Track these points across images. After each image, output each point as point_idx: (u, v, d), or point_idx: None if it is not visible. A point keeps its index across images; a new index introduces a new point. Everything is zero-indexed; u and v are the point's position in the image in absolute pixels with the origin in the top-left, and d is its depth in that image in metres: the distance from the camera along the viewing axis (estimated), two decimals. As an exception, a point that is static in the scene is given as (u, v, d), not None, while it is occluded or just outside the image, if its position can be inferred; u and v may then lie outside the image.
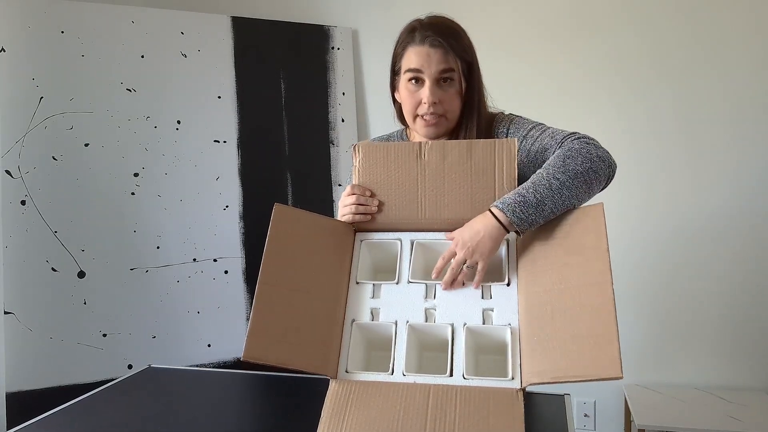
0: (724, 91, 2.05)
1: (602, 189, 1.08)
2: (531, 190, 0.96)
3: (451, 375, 0.87)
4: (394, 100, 1.25)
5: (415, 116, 1.15)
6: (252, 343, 0.84)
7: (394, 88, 1.22)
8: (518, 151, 1.13)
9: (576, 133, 1.09)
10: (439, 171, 1.02)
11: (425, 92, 1.11)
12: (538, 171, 1.02)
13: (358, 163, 1.06)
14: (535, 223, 0.96)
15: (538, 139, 1.12)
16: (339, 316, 0.95)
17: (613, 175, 1.07)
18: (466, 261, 0.96)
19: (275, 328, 0.87)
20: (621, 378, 0.74)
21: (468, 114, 1.16)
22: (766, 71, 2.01)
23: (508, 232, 0.97)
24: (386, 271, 1.04)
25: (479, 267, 0.96)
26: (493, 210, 0.96)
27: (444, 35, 1.10)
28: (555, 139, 1.09)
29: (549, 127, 1.15)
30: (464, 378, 0.87)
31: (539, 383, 0.82)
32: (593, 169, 1.01)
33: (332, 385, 0.88)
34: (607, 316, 0.80)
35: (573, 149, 1.03)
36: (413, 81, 1.13)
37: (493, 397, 0.83)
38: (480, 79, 1.18)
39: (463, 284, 0.97)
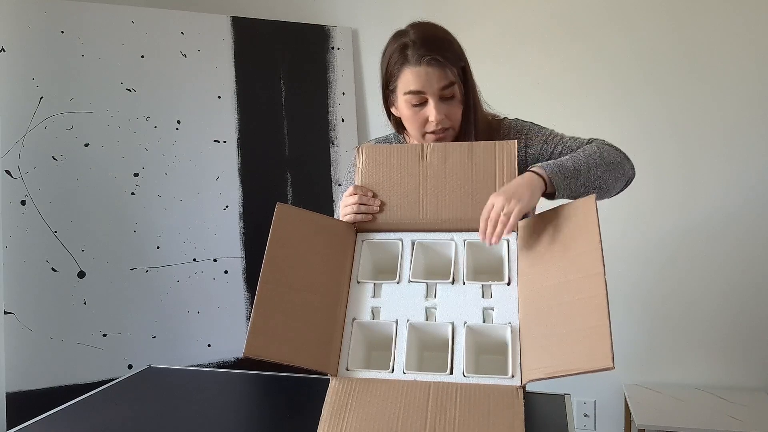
0: (714, 94, 2.05)
1: (619, 191, 1.12)
2: (569, 160, 1.02)
3: (452, 373, 0.87)
4: (389, 114, 1.22)
5: (423, 134, 1.14)
6: (253, 340, 0.85)
7: (388, 103, 1.19)
8: (540, 154, 1.16)
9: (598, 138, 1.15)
10: (441, 172, 1.03)
11: (432, 111, 1.09)
12: (572, 154, 1.07)
13: (361, 164, 1.07)
14: (567, 189, 0.98)
15: (561, 142, 1.15)
16: (340, 315, 0.96)
17: (631, 181, 1.13)
18: (504, 208, 0.93)
19: (276, 326, 0.88)
20: (612, 368, 0.75)
21: (466, 116, 1.16)
22: (755, 74, 2.01)
23: (546, 189, 0.97)
24: (387, 271, 1.05)
25: (514, 212, 0.92)
26: (532, 168, 0.99)
27: (437, 49, 1.07)
28: (578, 141, 1.14)
29: (564, 134, 1.18)
30: (464, 376, 0.87)
31: (537, 379, 0.82)
32: (621, 164, 1.09)
33: (333, 383, 0.89)
34: (600, 308, 0.80)
35: (605, 144, 1.11)
36: (415, 101, 1.10)
37: (494, 394, 0.83)
38: (473, 79, 1.17)
39: (495, 240, 0.93)
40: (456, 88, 1.10)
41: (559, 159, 1.03)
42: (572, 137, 1.16)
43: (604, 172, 1.03)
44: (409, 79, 1.08)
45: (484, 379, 0.86)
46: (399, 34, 1.12)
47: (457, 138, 1.17)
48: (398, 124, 1.21)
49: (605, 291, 0.81)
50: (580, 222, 0.91)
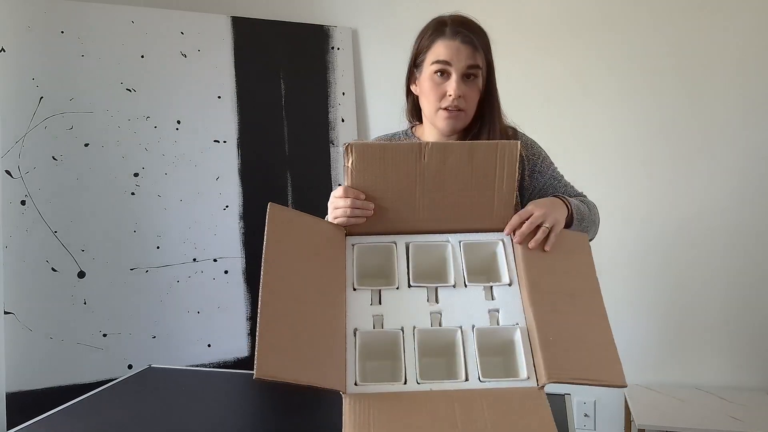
0: (715, 92, 2.05)
1: None
2: (583, 207, 1.12)
3: (467, 379, 0.85)
4: (408, 93, 1.27)
5: (437, 108, 1.17)
6: (263, 361, 0.79)
7: (410, 80, 1.24)
8: (543, 186, 1.22)
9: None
10: (439, 173, 0.98)
11: (452, 85, 1.13)
12: (581, 198, 1.20)
13: (350, 164, 0.99)
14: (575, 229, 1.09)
15: (562, 183, 1.25)
16: (341, 326, 0.91)
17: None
18: (545, 220, 0.98)
19: (283, 342, 0.82)
20: (626, 387, 0.82)
21: (487, 113, 1.19)
22: (753, 75, 2.01)
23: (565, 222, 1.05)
24: (380, 276, 1.00)
25: (555, 230, 0.99)
26: (562, 198, 1.08)
27: (474, 32, 1.14)
28: (574, 191, 1.25)
29: (563, 177, 1.29)
30: (480, 381, 0.84)
31: (561, 382, 0.82)
32: (597, 229, 1.20)
33: (347, 402, 0.82)
34: (604, 330, 0.86)
35: (595, 206, 1.20)
36: (439, 73, 1.15)
37: (517, 398, 0.82)
38: (495, 80, 1.20)
39: (533, 245, 0.98)
40: (479, 73, 1.15)
41: (576, 200, 1.13)
42: (568, 182, 1.27)
43: (588, 229, 1.14)
44: (440, 50, 1.14)
45: (502, 383, 0.84)
46: (440, 17, 1.19)
47: (470, 129, 1.20)
48: (413, 107, 1.26)
49: (603, 306, 0.87)
50: (575, 252, 0.96)
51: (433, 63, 1.15)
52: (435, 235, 1.01)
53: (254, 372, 0.79)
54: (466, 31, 1.13)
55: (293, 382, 0.80)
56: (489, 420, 0.79)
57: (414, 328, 0.90)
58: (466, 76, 1.14)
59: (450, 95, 1.14)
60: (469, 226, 1.00)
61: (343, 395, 0.83)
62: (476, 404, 0.81)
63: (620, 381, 0.81)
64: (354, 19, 2.35)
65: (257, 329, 0.81)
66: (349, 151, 0.99)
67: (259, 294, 0.84)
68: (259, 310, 0.83)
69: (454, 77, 1.13)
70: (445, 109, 1.16)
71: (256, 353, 0.79)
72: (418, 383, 0.84)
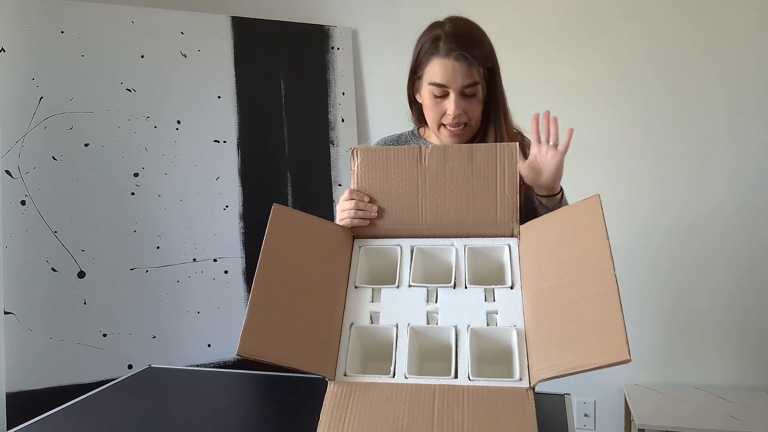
0: (721, 91, 2.05)
1: None
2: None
3: (456, 377, 0.85)
4: (412, 101, 1.26)
5: (440, 125, 1.18)
6: (247, 339, 0.81)
7: (413, 89, 1.23)
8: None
9: None
10: (440, 176, 1.01)
11: (450, 105, 1.14)
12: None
13: (356, 167, 1.04)
14: (551, 203, 1.15)
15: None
16: (337, 319, 0.93)
17: None
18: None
19: (272, 325, 0.85)
20: (629, 361, 0.74)
21: (493, 117, 1.19)
22: (762, 71, 2.01)
23: (549, 192, 1.14)
24: (385, 279, 1.02)
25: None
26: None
27: (468, 47, 1.12)
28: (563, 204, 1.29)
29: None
30: (470, 379, 0.84)
31: (547, 378, 0.80)
32: None
33: (331, 387, 0.85)
34: (612, 302, 0.79)
35: None
36: (437, 93, 1.15)
37: (503, 396, 0.80)
38: (500, 81, 1.20)
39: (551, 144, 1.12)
40: (479, 88, 1.15)
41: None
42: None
43: None
44: (435, 70, 1.13)
45: (490, 381, 0.83)
46: (434, 25, 1.17)
47: (483, 136, 1.20)
48: (420, 113, 1.25)
49: (616, 285, 0.80)
50: (586, 220, 0.90)
51: (429, 84, 1.15)
52: (440, 240, 1.02)
53: (236, 349, 0.80)
54: (460, 48, 1.11)
55: (276, 363, 0.82)
56: (467, 414, 0.79)
57: (408, 325, 0.91)
58: (466, 94, 1.14)
59: (449, 114, 1.14)
60: (473, 229, 1.00)
61: (329, 381, 0.85)
62: (458, 399, 0.81)
63: (620, 356, 0.75)
64: (354, 19, 2.35)
65: (246, 310, 0.84)
66: (355, 154, 1.04)
67: (253, 280, 0.87)
68: (250, 294, 0.86)
69: (452, 97, 1.14)
70: (447, 127, 1.17)
71: (241, 332, 0.81)
72: (406, 377, 0.85)
